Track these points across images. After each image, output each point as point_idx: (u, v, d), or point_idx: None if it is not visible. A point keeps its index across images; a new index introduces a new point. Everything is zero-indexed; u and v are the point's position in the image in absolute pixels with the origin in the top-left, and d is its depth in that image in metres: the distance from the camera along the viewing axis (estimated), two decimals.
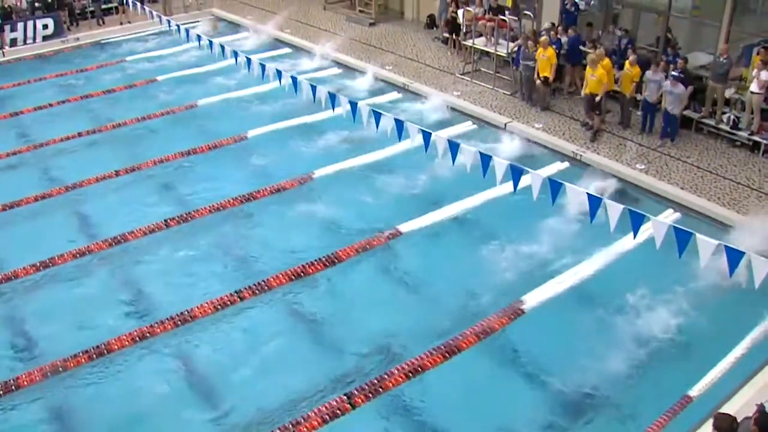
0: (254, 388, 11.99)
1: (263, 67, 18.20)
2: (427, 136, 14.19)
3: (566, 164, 18.01)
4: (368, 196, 17.03)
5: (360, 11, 29.96)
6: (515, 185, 12.95)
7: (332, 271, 14.40)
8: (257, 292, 13.77)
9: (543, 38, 20.48)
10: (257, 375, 12.26)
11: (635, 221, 11.43)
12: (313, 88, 16.43)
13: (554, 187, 12.40)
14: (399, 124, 14.54)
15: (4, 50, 27.61)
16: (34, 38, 28.41)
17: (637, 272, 13.72)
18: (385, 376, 11.62)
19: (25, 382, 12.01)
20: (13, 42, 27.98)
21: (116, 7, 31.06)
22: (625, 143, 18.70)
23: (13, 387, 11.91)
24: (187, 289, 14.34)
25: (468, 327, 12.65)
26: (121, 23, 30.46)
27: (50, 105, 23.05)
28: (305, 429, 10.76)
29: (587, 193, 12.05)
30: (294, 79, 17.15)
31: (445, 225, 15.83)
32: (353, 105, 15.61)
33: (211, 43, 20.57)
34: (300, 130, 20.22)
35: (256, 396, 11.79)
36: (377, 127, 15.02)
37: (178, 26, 22.32)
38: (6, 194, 17.68)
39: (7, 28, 27.61)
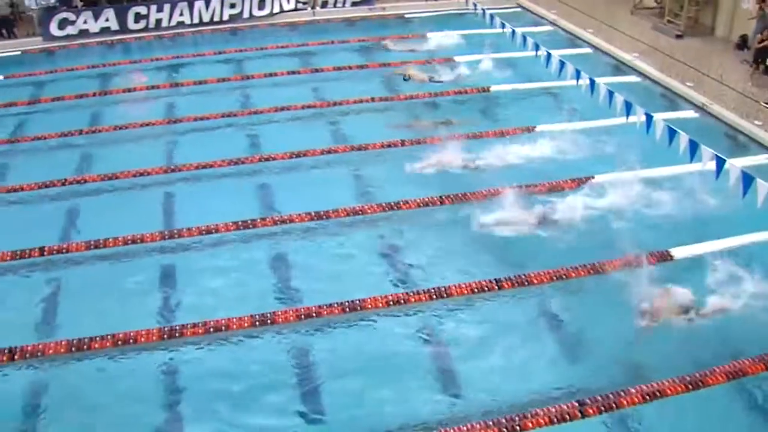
0: (490, 374, 12.09)
1: (562, 64, 18.12)
2: (720, 162, 13.60)
3: None
4: (646, 211, 16.09)
5: (668, 21, 28.80)
6: None
7: (594, 279, 14.04)
8: (516, 284, 13.76)
9: None
10: (496, 363, 12.33)
11: None
12: (610, 94, 16.16)
13: None
14: (693, 145, 14.03)
15: (315, 10, 29.20)
16: (344, 2, 29.94)
17: None
18: (622, 393, 11.24)
19: (280, 320, 12.89)
20: (324, 4, 29.71)
21: None
22: None
23: (269, 321, 12.84)
24: (447, 265, 14.62)
25: (720, 364, 11.88)
26: None
27: (349, 67, 24.18)
28: (530, 424, 10.71)
29: None
30: (592, 81, 16.94)
31: (723, 256, 14.37)
32: (648, 117, 15.20)
33: (513, 32, 20.70)
34: (588, 132, 19.41)
35: (490, 382, 11.89)
36: (669, 144, 14.55)
37: (483, 10, 22.61)
38: (295, 143, 18.83)
39: None
